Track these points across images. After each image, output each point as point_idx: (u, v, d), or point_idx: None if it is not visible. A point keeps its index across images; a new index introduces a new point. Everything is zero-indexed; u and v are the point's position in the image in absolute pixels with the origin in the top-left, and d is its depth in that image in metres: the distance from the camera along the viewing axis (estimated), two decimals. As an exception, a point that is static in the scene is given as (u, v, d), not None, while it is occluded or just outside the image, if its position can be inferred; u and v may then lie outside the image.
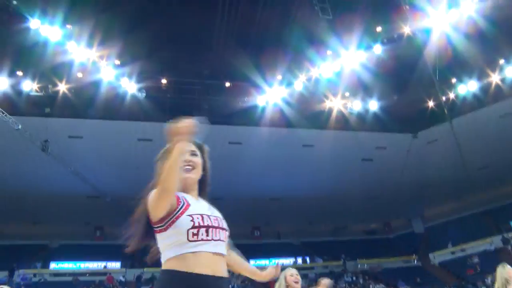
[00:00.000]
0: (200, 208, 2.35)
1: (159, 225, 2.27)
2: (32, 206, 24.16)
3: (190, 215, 2.25)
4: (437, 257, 30.59)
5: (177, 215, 2.23)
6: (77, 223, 26.45)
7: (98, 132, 21.43)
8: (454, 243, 29.78)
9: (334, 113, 24.54)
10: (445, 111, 23.18)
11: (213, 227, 2.28)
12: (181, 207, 2.27)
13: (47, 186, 22.93)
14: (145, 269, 26.11)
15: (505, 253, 28.07)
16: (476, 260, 28.48)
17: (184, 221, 2.23)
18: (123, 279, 25.13)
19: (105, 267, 26.03)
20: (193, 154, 2.43)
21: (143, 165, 23.97)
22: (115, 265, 26.48)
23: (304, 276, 29.28)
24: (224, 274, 2.30)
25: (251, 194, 27.13)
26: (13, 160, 21.32)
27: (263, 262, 29.78)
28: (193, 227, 2.22)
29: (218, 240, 2.30)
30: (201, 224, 2.24)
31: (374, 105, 24.85)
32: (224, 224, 2.39)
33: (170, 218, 2.23)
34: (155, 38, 21.04)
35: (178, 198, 2.29)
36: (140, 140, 22.27)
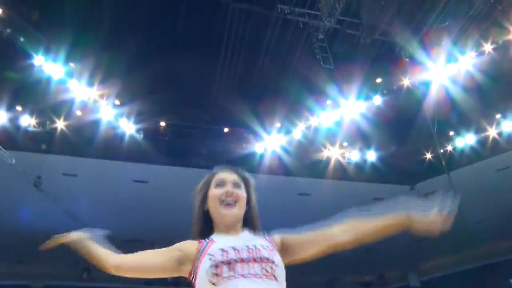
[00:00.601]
0: (229, 242, 1.93)
1: (190, 279, 1.91)
2: (18, 243, 23.47)
3: (212, 254, 1.88)
4: (433, 313, 29.86)
5: (200, 259, 1.86)
6: (64, 264, 25.59)
7: (93, 171, 21.14)
8: (451, 300, 29.16)
9: (332, 163, 24.49)
10: (443, 163, 23.18)
11: (242, 260, 1.82)
12: (202, 250, 1.87)
13: (36, 224, 22.37)
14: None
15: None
16: (474, 318, 27.78)
17: (205, 263, 1.87)
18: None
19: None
20: (236, 185, 2.02)
21: (137, 206, 23.76)
22: (101, 310, 25.56)
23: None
24: None
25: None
26: (3, 195, 20.91)
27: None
28: (212, 265, 1.83)
29: (254, 276, 1.83)
30: (224, 259, 1.83)
31: (372, 156, 24.87)
32: (267, 254, 1.89)
33: (193, 268, 1.85)
34: (155, 79, 21.21)
35: (199, 242, 1.94)
36: (135, 182, 22.01)
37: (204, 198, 1.91)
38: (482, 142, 23.52)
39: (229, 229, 1.99)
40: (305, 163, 24.34)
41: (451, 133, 24.18)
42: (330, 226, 1.80)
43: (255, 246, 1.88)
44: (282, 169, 24.20)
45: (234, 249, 1.87)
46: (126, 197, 22.49)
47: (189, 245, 1.90)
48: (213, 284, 1.76)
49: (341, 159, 24.67)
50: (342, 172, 25.02)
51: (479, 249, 29.34)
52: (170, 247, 1.97)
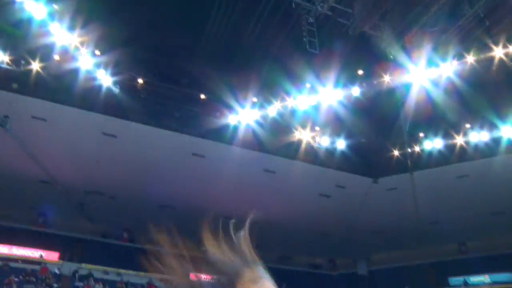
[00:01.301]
0: None
1: None
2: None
3: None
4: (375, 302, 31.04)
5: None
6: (20, 206, 25.38)
7: (64, 118, 20.79)
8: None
9: (303, 145, 24.76)
10: (409, 162, 23.80)
11: None
12: None
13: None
14: (83, 265, 25.29)
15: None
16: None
17: None
18: (58, 272, 24.19)
19: (41, 256, 24.83)
20: None
21: (104, 160, 23.61)
22: (52, 255, 25.35)
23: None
24: None
25: (200, 208, 26.84)
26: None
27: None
28: None
29: None
30: None
31: (341, 144, 25.27)
32: None
33: None
34: (138, 28, 20.49)
35: None
36: (105, 135, 21.81)
37: None
38: (449, 148, 24.18)
39: None
40: (276, 142, 24.57)
41: (421, 135, 24.72)
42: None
43: None
44: (252, 144, 24.39)
45: None
46: (93, 149, 22.30)
47: None
48: None
49: (312, 142, 24.98)
50: (311, 155, 25.33)
51: (428, 248, 30.51)
52: None
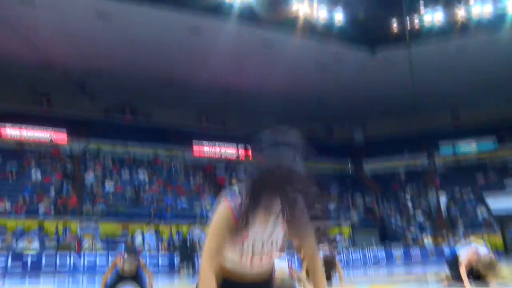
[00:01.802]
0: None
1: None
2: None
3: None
4: (369, 167, 32.94)
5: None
6: (23, 91, 25.63)
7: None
8: (387, 159, 31.98)
9: (301, 18, 24.25)
10: (407, 36, 23.55)
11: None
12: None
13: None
14: (91, 144, 26.40)
15: (429, 175, 30.75)
16: (403, 175, 31.02)
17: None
18: (68, 153, 25.35)
19: (51, 140, 25.78)
20: None
21: (97, 42, 23.27)
22: (61, 137, 26.24)
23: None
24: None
25: (202, 82, 27.33)
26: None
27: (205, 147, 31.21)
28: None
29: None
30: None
31: (339, 17, 24.75)
32: (271, 246, 2.20)
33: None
34: None
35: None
36: (99, 15, 21.22)
37: None
38: (450, 23, 23.65)
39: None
40: (274, 15, 24.04)
41: (421, 7, 24.06)
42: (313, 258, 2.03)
43: (272, 242, 2.19)
44: (250, 18, 23.89)
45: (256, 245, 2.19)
46: (89, 30, 21.92)
47: None
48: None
49: (310, 15, 24.41)
50: (308, 28, 24.91)
51: (421, 119, 31.74)
52: None
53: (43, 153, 24.02)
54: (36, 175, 22.10)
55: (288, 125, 2.10)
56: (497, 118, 30.62)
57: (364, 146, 35.07)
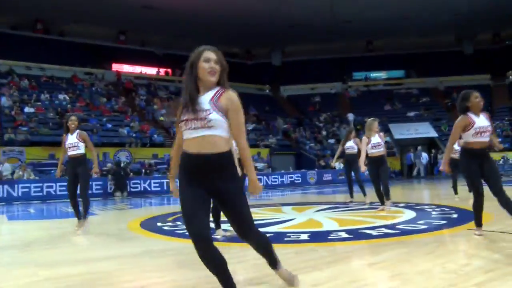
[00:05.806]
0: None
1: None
2: None
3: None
4: (286, 90, 34.28)
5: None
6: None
7: None
8: (303, 81, 33.41)
9: None
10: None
11: (189, 120, 2.77)
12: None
13: None
14: (1, 61, 24.78)
15: (342, 98, 32.88)
16: (318, 99, 32.77)
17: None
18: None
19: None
20: (216, 63, 2.87)
21: None
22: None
23: (165, 88, 30.57)
24: (209, 151, 2.73)
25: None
26: None
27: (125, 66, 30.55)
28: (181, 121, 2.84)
29: (194, 128, 2.76)
30: (183, 118, 2.82)
31: None
32: (203, 114, 2.75)
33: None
34: None
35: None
36: None
37: (195, 67, 2.88)
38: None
39: (206, 88, 2.82)
40: None
41: None
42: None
43: (203, 109, 2.75)
44: None
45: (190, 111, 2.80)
46: None
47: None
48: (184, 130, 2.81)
49: None
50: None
51: (337, 45, 33.31)
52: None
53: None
54: None
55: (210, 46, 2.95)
56: (407, 50, 33.72)
57: (282, 69, 36.07)
